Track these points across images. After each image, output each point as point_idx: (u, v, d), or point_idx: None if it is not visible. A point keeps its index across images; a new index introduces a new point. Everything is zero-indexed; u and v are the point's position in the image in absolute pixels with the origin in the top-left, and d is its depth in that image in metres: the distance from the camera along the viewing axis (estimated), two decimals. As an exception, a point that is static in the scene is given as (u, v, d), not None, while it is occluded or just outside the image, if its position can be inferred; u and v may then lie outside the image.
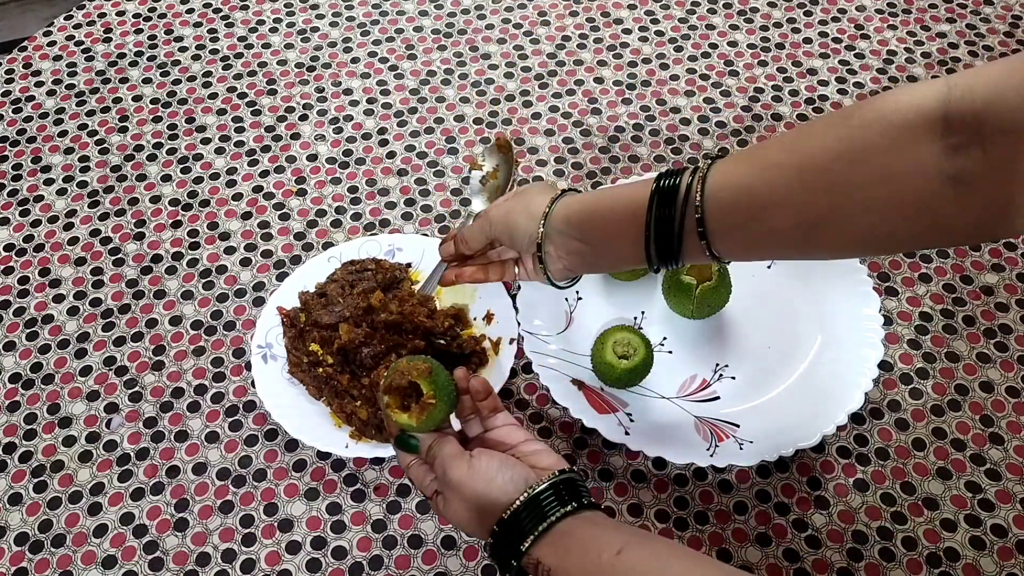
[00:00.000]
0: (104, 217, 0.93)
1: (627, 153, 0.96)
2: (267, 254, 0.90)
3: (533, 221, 0.66)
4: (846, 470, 0.75)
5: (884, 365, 0.80)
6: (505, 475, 0.58)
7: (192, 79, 1.04)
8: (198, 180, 0.95)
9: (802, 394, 0.77)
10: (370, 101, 1.01)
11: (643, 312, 0.83)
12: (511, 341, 0.79)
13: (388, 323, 0.77)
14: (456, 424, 0.66)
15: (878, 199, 0.51)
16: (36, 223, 0.92)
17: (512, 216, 0.68)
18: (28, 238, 0.91)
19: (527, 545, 0.55)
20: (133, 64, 1.06)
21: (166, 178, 0.95)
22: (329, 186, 0.94)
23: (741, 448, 0.73)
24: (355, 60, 1.05)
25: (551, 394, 0.76)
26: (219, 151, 0.98)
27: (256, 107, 1.01)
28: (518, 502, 0.57)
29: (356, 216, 0.92)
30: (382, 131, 0.99)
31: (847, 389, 0.75)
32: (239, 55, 1.06)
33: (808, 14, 1.09)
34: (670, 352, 0.81)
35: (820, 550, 0.71)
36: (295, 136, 0.99)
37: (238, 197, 0.94)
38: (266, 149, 0.98)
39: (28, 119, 1.01)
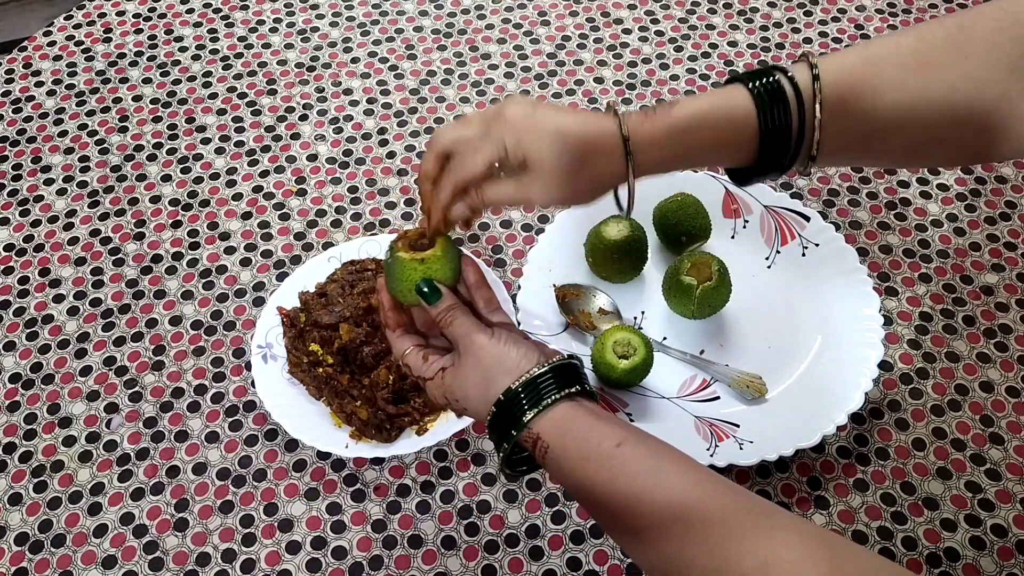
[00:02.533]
0: (104, 217, 0.93)
1: (627, 153, 0.96)
2: (267, 254, 0.90)
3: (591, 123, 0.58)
4: (846, 470, 0.75)
5: (884, 365, 0.80)
6: (520, 349, 0.58)
7: (192, 79, 1.04)
8: (198, 180, 0.95)
9: (802, 394, 0.77)
10: (370, 101, 1.01)
11: (643, 312, 0.83)
12: (511, 341, 0.79)
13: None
14: None
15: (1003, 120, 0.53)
16: (36, 223, 0.92)
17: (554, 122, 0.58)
18: (28, 238, 0.91)
19: (530, 417, 0.55)
20: (133, 64, 1.06)
21: (166, 178, 0.95)
22: (329, 186, 0.94)
23: (741, 448, 0.73)
24: (355, 60, 1.05)
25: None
26: (219, 151, 0.98)
27: (256, 107, 1.01)
28: (528, 374, 0.56)
29: (356, 216, 0.92)
30: (382, 131, 0.99)
31: (847, 389, 0.75)
32: (239, 55, 1.06)
33: (808, 14, 1.09)
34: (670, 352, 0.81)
35: (820, 550, 0.71)
36: (295, 136, 0.99)
37: (238, 197, 0.94)
38: (266, 149, 0.98)
39: (28, 119, 1.01)
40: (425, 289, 0.61)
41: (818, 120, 0.57)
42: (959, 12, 0.58)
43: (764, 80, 0.57)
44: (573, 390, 0.56)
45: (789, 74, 0.57)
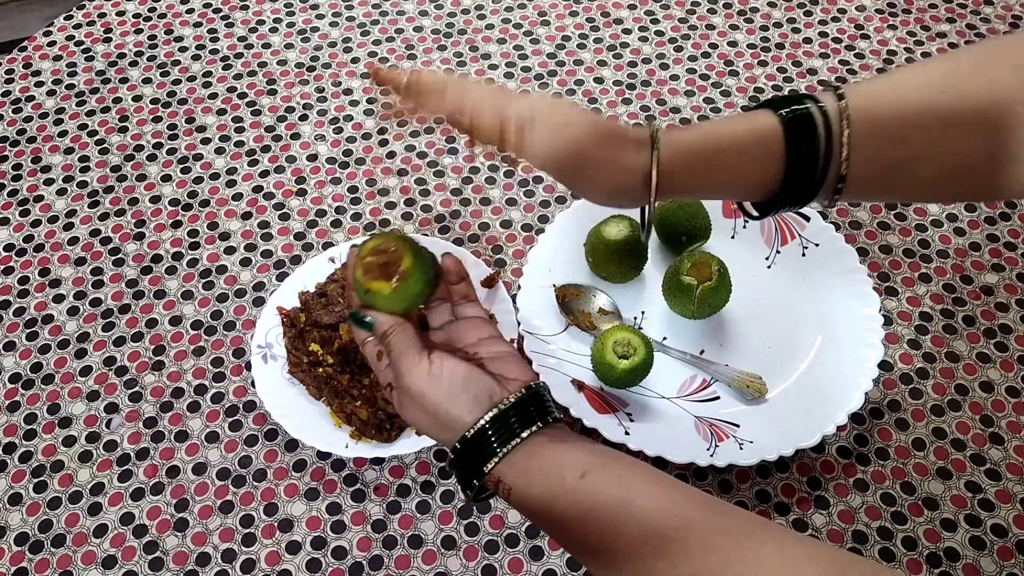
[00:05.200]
0: (104, 217, 0.93)
1: (627, 153, 0.96)
2: (267, 254, 0.90)
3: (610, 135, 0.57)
4: (846, 470, 0.75)
5: (884, 365, 0.80)
6: (470, 391, 0.54)
7: (192, 79, 1.04)
8: (198, 180, 0.95)
9: (802, 394, 0.77)
10: (370, 101, 1.01)
11: (643, 312, 0.83)
12: (511, 341, 0.79)
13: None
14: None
15: None
16: (36, 223, 0.92)
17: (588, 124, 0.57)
18: (28, 238, 0.91)
19: (490, 467, 0.53)
20: (133, 64, 1.06)
21: (166, 178, 0.95)
22: (329, 186, 0.94)
23: (741, 448, 0.73)
24: (355, 60, 1.05)
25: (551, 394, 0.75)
26: (219, 151, 0.98)
27: (256, 107, 1.01)
28: (483, 421, 0.53)
29: (356, 216, 0.92)
30: (382, 131, 0.99)
31: (847, 389, 0.75)
32: (239, 55, 1.06)
33: (808, 14, 1.09)
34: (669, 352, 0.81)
35: (820, 550, 0.71)
36: (295, 136, 0.99)
37: (238, 197, 0.94)
38: (266, 149, 0.98)
39: (28, 119, 1.01)
40: (354, 325, 0.58)
41: (845, 150, 0.55)
42: (985, 39, 0.58)
43: (793, 107, 0.56)
44: (528, 433, 0.53)
45: (820, 103, 0.56)
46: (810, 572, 0.46)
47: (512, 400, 0.54)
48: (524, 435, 0.53)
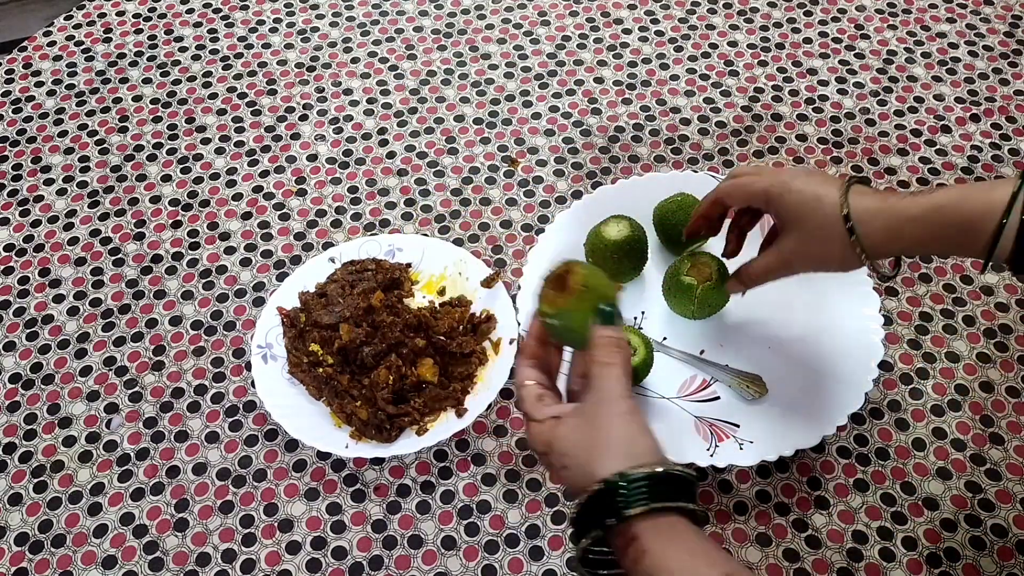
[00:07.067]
0: (104, 217, 0.93)
1: (627, 153, 0.96)
2: (267, 254, 0.90)
3: (833, 196, 0.63)
4: (846, 470, 0.75)
5: (884, 365, 0.80)
6: (650, 440, 0.53)
7: (192, 79, 1.04)
8: (198, 180, 0.95)
9: (802, 394, 0.77)
10: (370, 101, 1.01)
11: (643, 312, 0.83)
12: (511, 341, 0.79)
13: (407, 323, 0.78)
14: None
15: None
16: (36, 223, 0.92)
17: (813, 186, 0.64)
18: (28, 238, 0.91)
19: (636, 511, 0.50)
20: (133, 64, 1.06)
21: (166, 178, 0.95)
22: (329, 186, 0.94)
23: (741, 448, 0.73)
24: (355, 60, 1.05)
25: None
26: (219, 151, 0.98)
27: (256, 107, 1.01)
28: (651, 468, 0.51)
29: (356, 216, 0.92)
30: (382, 131, 0.99)
31: (847, 389, 0.75)
32: (239, 55, 1.06)
33: (808, 14, 1.09)
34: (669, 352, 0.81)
35: (820, 550, 0.71)
36: (295, 136, 0.99)
37: (238, 197, 0.94)
38: (266, 149, 0.98)
39: (28, 119, 1.01)
40: (608, 308, 0.56)
41: None
42: None
43: None
44: (690, 505, 0.51)
45: None
46: None
47: (679, 470, 0.52)
48: (682, 503, 0.51)
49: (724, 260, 0.78)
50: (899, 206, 0.62)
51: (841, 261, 0.65)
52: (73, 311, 0.86)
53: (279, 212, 0.93)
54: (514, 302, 0.82)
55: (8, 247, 0.91)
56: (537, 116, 1.00)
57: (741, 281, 0.73)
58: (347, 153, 0.97)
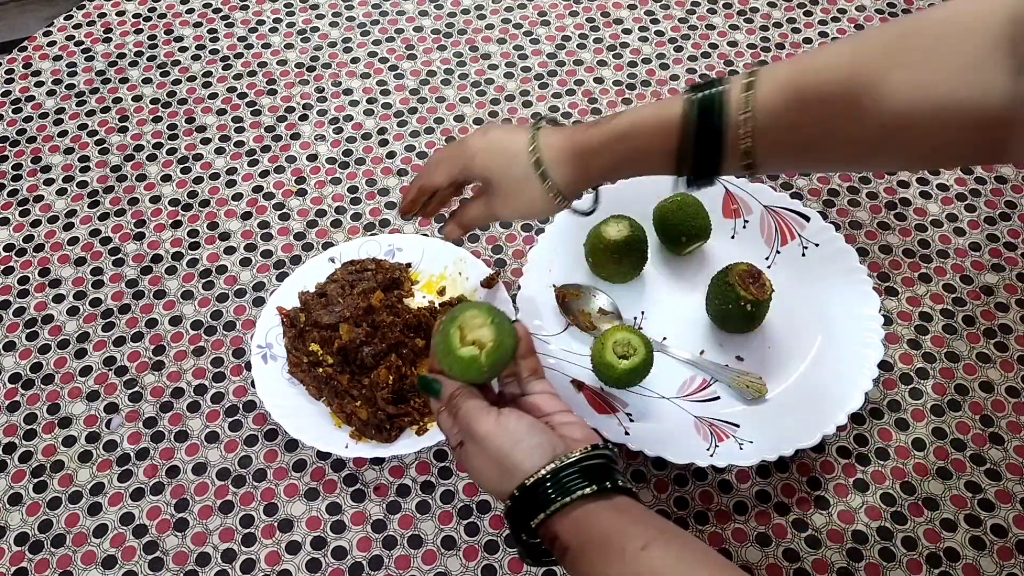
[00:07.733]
0: (104, 217, 0.93)
1: (627, 153, 0.96)
2: (267, 254, 0.90)
3: (521, 144, 0.64)
4: (846, 470, 0.75)
5: (884, 365, 0.80)
6: (533, 440, 0.55)
7: (192, 79, 1.04)
8: (198, 180, 0.95)
9: (802, 394, 0.77)
10: (370, 101, 1.01)
11: (643, 312, 0.83)
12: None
13: (407, 323, 0.78)
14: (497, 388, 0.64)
15: (940, 123, 0.50)
16: (36, 223, 0.92)
17: (501, 142, 0.66)
18: (28, 238, 0.91)
19: (541, 518, 0.52)
20: (133, 64, 1.06)
21: (166, 178, 0.95)
22: (329, 186, 0.94)
23: (741, 448, 0.73)
24: (355, 60, 1.05)
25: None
26: (219, 151, 0.98)
27: (256, 107, 1.01)
28: (543, 471, 0.53)
29: (356, 216, 0.92)
30: (382, 131, 0.99)
31: (847, 389, 0.75)
32: (239, 55, 1.06)
33: (808, 14, 1.09)
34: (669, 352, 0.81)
35: (820, 550, 0.71)
36: (295, 136, 0.99)
37: (238, 197, 0.94)
38: (266, 149, 0.98)
39: (28, 119, 1.01)
40: (424, 390, 0.61)
41: (743, 133, 0.57)
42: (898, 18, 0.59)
43: (701, 92, 0.59)
44: (589, 490, 0.52)
45: (725, 88, 0.58)
46: None
47: (575, 455, 0.54)
48: (586, 491, 0.52)
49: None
50: (582, 139, 0.63)
51: (543, 208, 0.66)
52: (73, 311, 0.86)
53: (279, 212, 0.93)
54: (514, 302, 0.82)
55: (8, 247, 0.91)
56: (538, 116, 1.00)
57: (459, 225, 0.73)
58: (347, 153, 0.97)
